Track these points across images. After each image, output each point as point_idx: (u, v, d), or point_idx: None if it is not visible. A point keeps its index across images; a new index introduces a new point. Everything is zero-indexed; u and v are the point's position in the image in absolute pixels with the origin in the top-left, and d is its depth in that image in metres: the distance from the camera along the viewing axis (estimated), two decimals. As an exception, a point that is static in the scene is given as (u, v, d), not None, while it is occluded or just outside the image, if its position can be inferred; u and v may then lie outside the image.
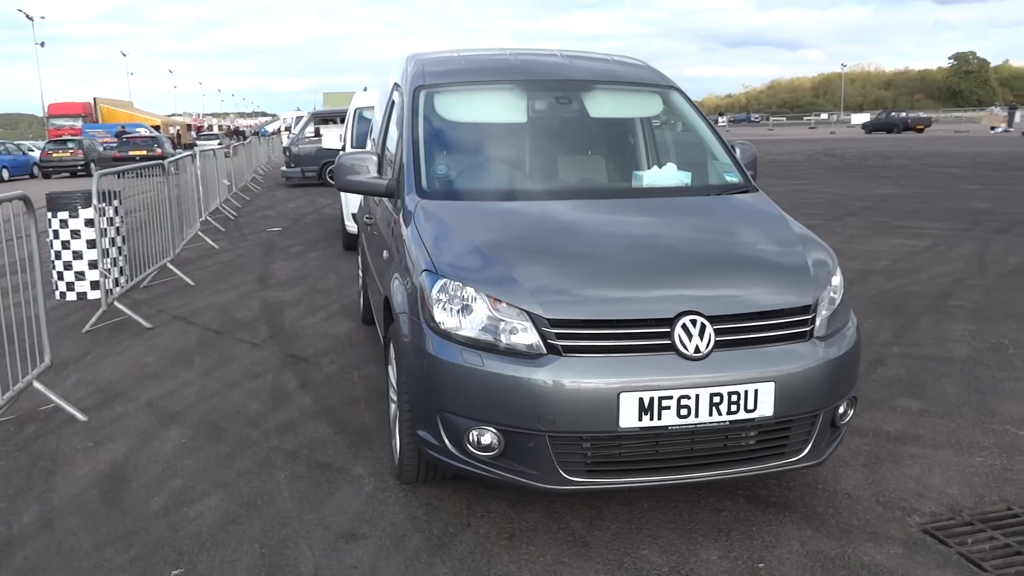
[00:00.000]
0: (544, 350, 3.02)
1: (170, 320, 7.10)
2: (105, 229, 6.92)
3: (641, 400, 2.97)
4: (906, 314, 6.63)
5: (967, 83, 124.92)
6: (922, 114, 68.49)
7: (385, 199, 4.41)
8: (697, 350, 3.03)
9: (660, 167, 4.34)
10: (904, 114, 65.17)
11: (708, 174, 4.40)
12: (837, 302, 3.42)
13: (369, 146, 6.46)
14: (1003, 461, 3.93)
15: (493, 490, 3.62)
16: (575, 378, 2.97)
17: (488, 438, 3.10)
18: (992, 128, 51.77)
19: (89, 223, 6.87)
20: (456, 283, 3.21)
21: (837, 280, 3.48)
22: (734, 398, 3.04)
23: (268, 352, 6.00)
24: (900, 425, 4.38)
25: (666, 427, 3.01)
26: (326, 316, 7.07)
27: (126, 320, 6.91)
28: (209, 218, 13.20)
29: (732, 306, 3.14)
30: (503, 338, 3.08)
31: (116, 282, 7.01)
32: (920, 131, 56.62)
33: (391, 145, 4.69)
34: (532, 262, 3.27)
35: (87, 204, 6.89)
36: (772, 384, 3.07)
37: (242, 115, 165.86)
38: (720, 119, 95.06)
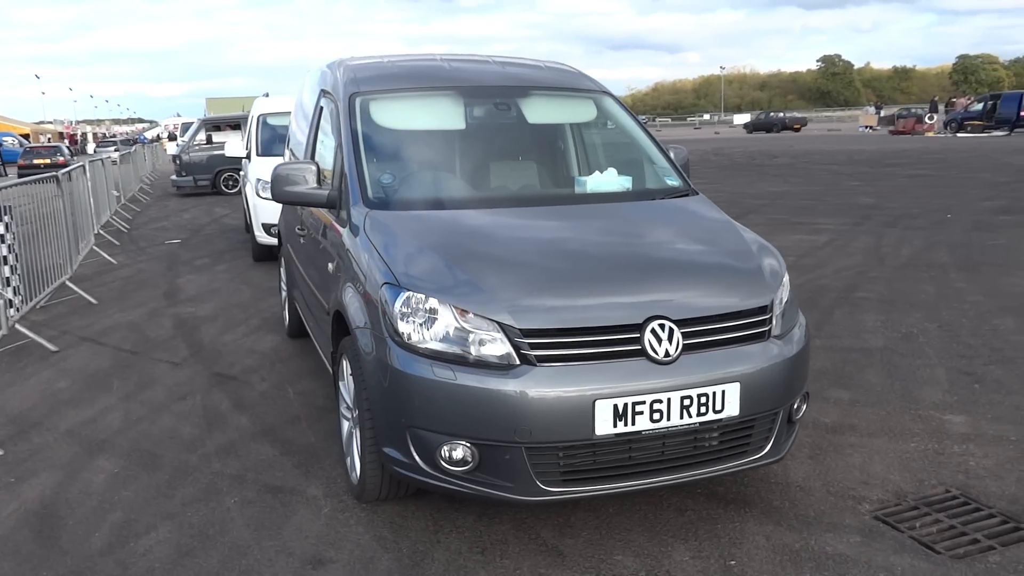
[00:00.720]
0: (517, 360, 2.99)
1: (77, 341, 6.68)
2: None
3: (616, 406, 2.98)
4: (820, 307, 6.93)
5: (834, 84, 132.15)
6: (798, 114, 71.88)
7: (322, 210, 4.28)
8: (667, 354, 3.06)
9: (601, 172, 4.38)
10: (782, 114, 68.26)
11: (647, 178, 4.47)
12: (786, 301, 3.54)
13: (287, 155, 6.26)
14: (934, 446, 4.16)
15: (456, 504, 3.56)
16: (551, 388, 2.95)
17: (461, 452, 3.05)
18: (864, 127, 54.67)
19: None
20: (419, 295, 3.14)
21: (786, 280, 3.60)
22: (703, 400, 3.09)
23: (191, 371, 5.73)
24: (835, 416, 4.57)
25: (639, 432, 3.03)
26: (247, 331, 6.81)
27: (28, 343, 6.46)
28: (101, 231, 12.52)
29: (696, 309, 3.20)
30: (472, 350, 3.03)
31: (10, 303, 6.54)
32: (797, 130, 59.44)
33: (325, 154, 4.55)
34: (495, 271, 3.24)
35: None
36: (738, 384, 3.14)
37: (117, 122, 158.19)
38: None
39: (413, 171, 4.22)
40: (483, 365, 3.01)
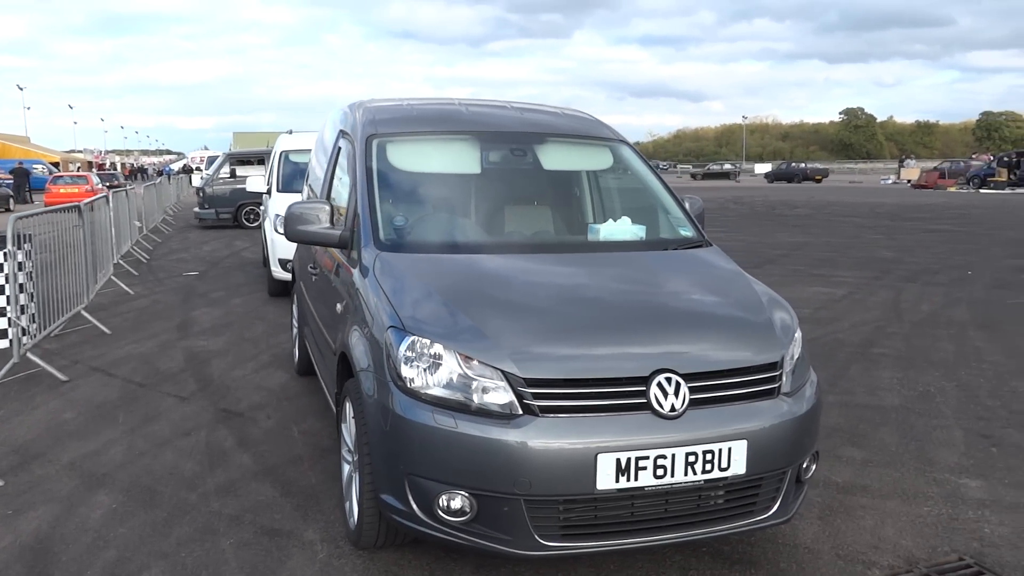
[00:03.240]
0: (520, 410, 2.94)
1: (87, 372, 6.69)
2: (15, 275, 6.50)
3: (619, 461, 2.92)
4: (836, 362, 6.83)
5: (857, 137, 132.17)
6: (819, 165, 71.90)
7: (335, 249, 4.28)
8: (673, 408, 3.00)
9: (615, 220, 4.36)
10: (804, 165, 68.29)
11: (661, 228, 4.45)
12: (797, 358, 3.47)
13: (305, 192, 6.31)
14: (948, 510, 4.04)
15: (454, 554, 3.49)
16: (553, 439, 2.90)
17: (460, 502, 2.99)
18: (905, 181, 53.86)
19: (-1, 268, 6.47)
20: (424, 340, 3.11)
21: (798, 335, 3.54)
22: (709, 457, 3.02)
23: (198, 406, 5.71)
24: (847, 475, 4.47)
25: (642, 488, 2.96)
26: (257, 367, 6.80)
27: (39, 372, 6.47)
28: (121, 261, 12.64)
29: (705, 364, 3.14)
30: (475, 397, 2.99)
31: (25, 331, 6.57)
32: (818, 181, 59.42)
33: (341, 194, 4.57)
34: (502, 318, 3.21)
35: (-2, 248, 6.48)
36: (745, 442, 3.07)
37: (146, 152, 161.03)
38: None
39: (427, 214, 4.22)
40: (485, 413, 2.96)
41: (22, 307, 6.57)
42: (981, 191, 41.18)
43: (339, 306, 4.04)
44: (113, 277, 10.93)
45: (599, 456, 2.90)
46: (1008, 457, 4.72)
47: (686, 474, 3.00)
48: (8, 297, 6.40)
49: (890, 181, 56.57)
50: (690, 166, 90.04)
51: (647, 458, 2.95)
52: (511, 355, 3.00)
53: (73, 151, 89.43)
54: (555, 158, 4.67)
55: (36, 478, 4.44)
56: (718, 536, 3.24)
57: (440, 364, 3.06)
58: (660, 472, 2.97)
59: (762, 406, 3.18)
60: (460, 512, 3.00)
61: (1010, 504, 4.11)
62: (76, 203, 8.63)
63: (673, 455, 2.97)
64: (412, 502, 3.07)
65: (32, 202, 34.09)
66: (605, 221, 4.38)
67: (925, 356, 7.05)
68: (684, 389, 3.04)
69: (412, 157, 4.42)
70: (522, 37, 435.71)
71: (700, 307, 3.57)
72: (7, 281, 6.43)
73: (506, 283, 3.56)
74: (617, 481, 2.93)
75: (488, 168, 4.51)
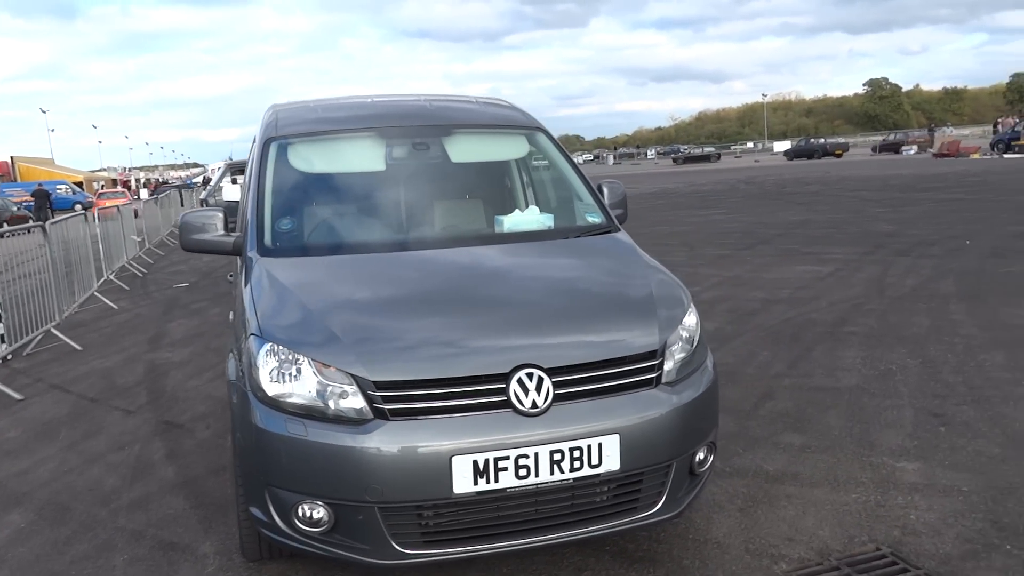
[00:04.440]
0: (371, 415, 2.83)
1: (45, 389, 6.69)
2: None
3: (476, 463, 2.79)
4: (802, 343, 6.63)
5: (882, 108, 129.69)
6: (840, 139, 70.72)
7: (237, 258, 4.19)
8: (534, 405, 2.86)
9: (522, 211, 4.22)
10: (823, 140, 67.22)
11: (569, 216, 4.30)
12: (694, 343, 3.31)
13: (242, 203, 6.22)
14: (877, 497, 3.86)
15: (343, 566, 3.38)
16: (402, 444, 2.78)
17: (317, 512, 2.89)
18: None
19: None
20: (283, 347, 3.00)
21: (691, 320, 3.37)
22: (577, 454, 2.88)
23: (141, 420, 5.67)
24: (780, 463, 4.29)
25: (504, 490, 2.83)
26: (213, 376, 6.75)
27: (-4, 392, 6.49)
28: (113, 277, 12.71)
29: (572, 356, 2.99)
30: (331, 404, 2.88)
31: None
32: (839, 156, 58.44)
33: (244, 200, 4.48)
34: (361, 321, 3.09)
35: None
36: (617, 436, 2.92)
37: (173, 167, 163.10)
38: (610, 157, 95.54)
39: (319, 216, 4.11)
40: (341, 420, 2.85)
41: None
42: (1005, 156, 40.15)
43: (231, 315, 3.95)
44: (97, 293, 10.99)
45: (454, 459, 2.78)
46: (955, 436, 4.51)
47: (552, 473, 2.86)
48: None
49: (912, 152, 55.41)
50: (671, 152, 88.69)
51: (507, 458, 2.81)
52: (361, 358, 2.88)
53: (98, 170, 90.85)
54: (464, 150, 4.52)
55: (-44, 500, 4.42)
56: (599, 535, 3.09)
57: (297, 371, 2.95)
58: (523, 472, 2.83)
59: (637, 398, 3.02)
60: (318, 522, 2.90)
61: (944, 487, 3.91)
62: (40, 223, 8.65)
63: (536, 454, 2.84)
64: (273, 513, 2.97)
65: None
66: (512, 212, 4.23)
67: (896, 332, 6.81)
68: (547, 384, 2.90)
69: (311, 158, 4.30)
70: (538, 28, 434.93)
71: (575, 296, 3.42)
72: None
73: (376, 283, 3.44)
74: (476, 484, 2.80)
75: (392, 164, 4.38)
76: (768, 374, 5.84)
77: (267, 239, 3.77)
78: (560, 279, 3.56)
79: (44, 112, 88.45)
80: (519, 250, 3.83)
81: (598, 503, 3.01)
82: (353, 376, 2.86)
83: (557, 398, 2.90)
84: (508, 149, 4.67)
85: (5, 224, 29.67)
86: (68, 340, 8.33)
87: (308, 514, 2.90)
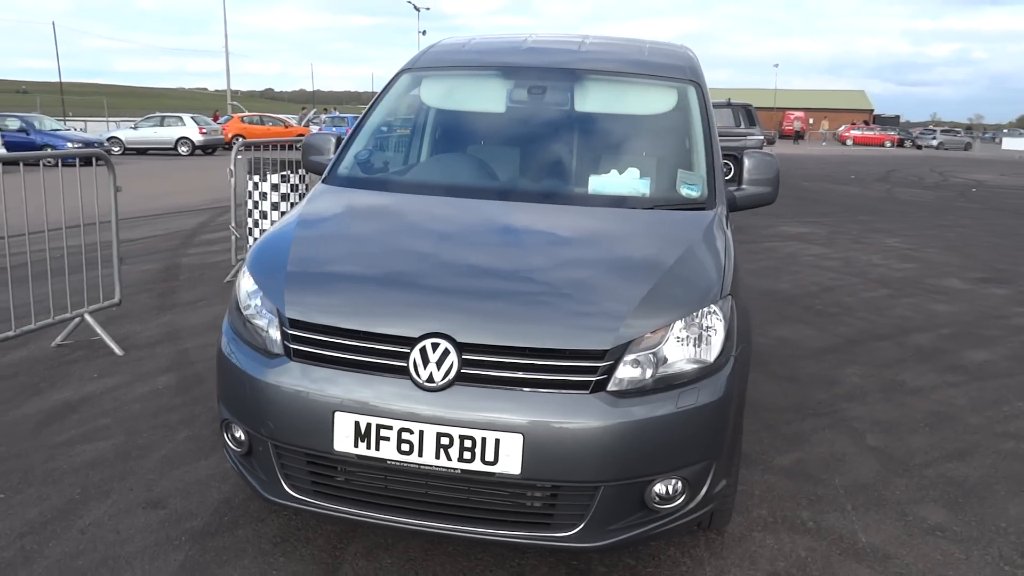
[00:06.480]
0: (281, 351, 2.78)
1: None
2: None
3: (357, 424, 2.61)
4: None
5: None
6: None
7: None
8: (431, 379, 2.58)
9: (620, 172, 3.73)
10: None
11: (674, 186, 3.70)
12: (699, 357, 2.69)
13: None
14: None
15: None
16: (294, 386, 2.70)
17: (238, 434, 2.95)
18: None
19: (275, 187, 7.71)
20: (250, 278, 3.03)
21: (699, 333, 2.71)
22: (468, 444, 2.55)
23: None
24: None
25: (385, 460, 2.61)
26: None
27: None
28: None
29: (494, 335, 2.62)
30: (261, 334, 2.87)
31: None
32: None
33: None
34: (321, 257, 3.05)
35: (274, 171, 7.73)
36: (520, 436, 2.53)
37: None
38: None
39: (402, 153, 4.05)
40: (260, 351, 2.84)
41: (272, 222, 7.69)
42: None
43: None
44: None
45: (336, 414, 2.63)
46: None
47: (438, 457, 2.57)
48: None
49: None
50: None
51: (390, 428, 2.59)
52: (287, 294, 2.84)
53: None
54: (593, 99, 4.10)
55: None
56: (501, 542, 2.71)
57: (259, 296, 3.00)
58: (405, 448, 2.59)
59: (562, 400, 2.56)
60: (239, 443, 2.96)
61: None
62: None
63: (421, 432, 2.57)
64: (221, 427, 3.09)
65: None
66: (610, 172, 3.76)
67: None
68: (453, 359, 2.58)
69: (433, 93, 4.25)
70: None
71: (563, 276, 2.91)
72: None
73: (390, 226, 3.31)
74: (356, 446, 2.62)
75: (511, 107, 4.13)
76: None
77: (340, 168, 3.84)
78: (569, 256, 3.07)
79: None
80: (575, 215, 3.42)
81: (499, 507, 2.65)
82: (277, 310, 2.83)
83: (464, 378, 2.59)
84: (646, 102, 4.14)
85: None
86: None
87: (235, 434, 2.97)
